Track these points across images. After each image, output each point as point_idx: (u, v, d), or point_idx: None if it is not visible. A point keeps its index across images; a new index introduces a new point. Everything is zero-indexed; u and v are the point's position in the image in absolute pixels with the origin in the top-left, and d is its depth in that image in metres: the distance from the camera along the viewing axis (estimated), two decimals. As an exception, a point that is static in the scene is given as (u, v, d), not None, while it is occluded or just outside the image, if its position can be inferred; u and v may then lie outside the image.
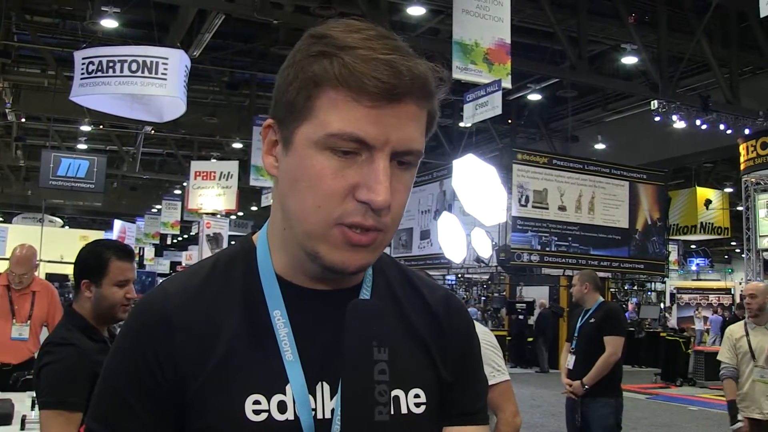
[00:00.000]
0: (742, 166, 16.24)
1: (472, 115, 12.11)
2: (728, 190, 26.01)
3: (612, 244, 20.08)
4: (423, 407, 1.06)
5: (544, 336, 18.16)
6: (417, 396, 1.06)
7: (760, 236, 15.83)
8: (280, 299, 1.02)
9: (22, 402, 3.88)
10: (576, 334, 5.98)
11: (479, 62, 10.94)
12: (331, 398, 1.00)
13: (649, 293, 27.16)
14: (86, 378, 2.39)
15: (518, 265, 19.19)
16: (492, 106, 11.51)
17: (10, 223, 30.20)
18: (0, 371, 4.93)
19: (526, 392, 13.42)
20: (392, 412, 0.95)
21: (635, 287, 25.84)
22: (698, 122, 16.94)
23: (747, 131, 16.48)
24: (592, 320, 5.87)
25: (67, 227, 33.32)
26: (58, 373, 2.50)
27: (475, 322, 3.68)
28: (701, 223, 25.93)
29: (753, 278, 16.27)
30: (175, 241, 34.68)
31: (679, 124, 17.24)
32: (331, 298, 1.04)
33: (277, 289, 1.02)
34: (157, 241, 29.81)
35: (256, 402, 0.96)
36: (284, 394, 0.97)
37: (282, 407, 0.97)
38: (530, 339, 18.76)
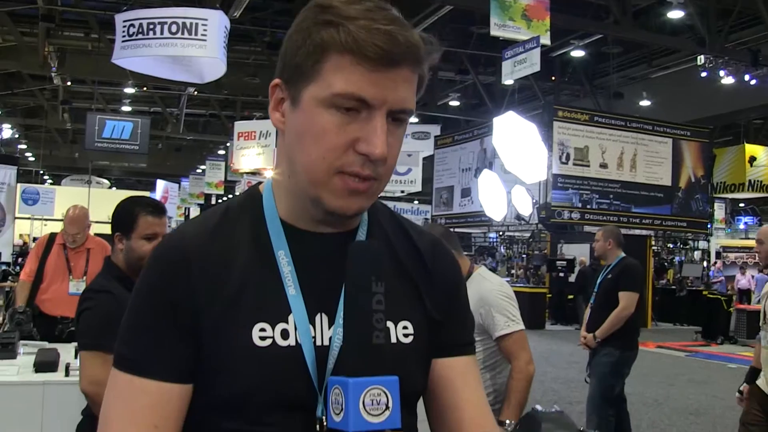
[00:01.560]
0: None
1: (510, 72, 12.04)
2: (778, 147, 25.42)
3: (654, 202, 19.86)
4: (411, 338, 1.17)
5: (584, 293, 18.12)
6: (405, 327, 1.17)
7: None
8: (284, 241, 1.14)
9: (68, 351, 4.09)
10: (595, 290, 6.09)
11: (517, 19, 10.86)
12: (329, 328, 1.11)
13: (693, 252, 26.85)
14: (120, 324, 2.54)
15: (559, 223, 19.12)
16: (530, 63, 11.43)
17: (59, 185, 30.93)
18: (56, 323, 5.16)
19: (565, 349, 13.45)
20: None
21: (678, 245, 25.55)
22: (747, 77, 16.57)
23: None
24: (610, 276, 5.96)
25: (114, 188, 33.98)
26: (95, 318, 2.68)
27: (491, 273, 3.74)
28: (749, 180, 25.42)
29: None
30: (219, 200, 35.16)
31: (727, 80, 16.88)
32: (330, 240, 1.16)
33: (282, 232, 1.14)
34: (202, 201, 30.22)
35: (262, 329, 1.07)
36: (287, 323, 1.09)
37: (285, 334, 1.08)
38: (570, 296, 18.75)
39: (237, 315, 1.08)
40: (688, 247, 25.97)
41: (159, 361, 1.08)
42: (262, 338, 1.07)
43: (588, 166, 18.98)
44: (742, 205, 32.87)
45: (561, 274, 19.27)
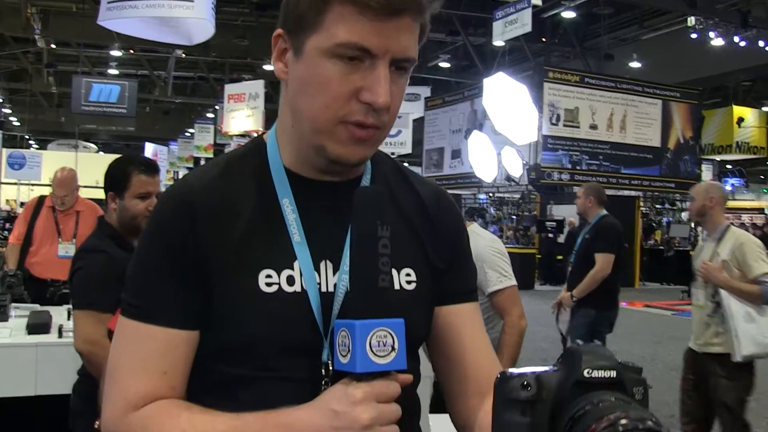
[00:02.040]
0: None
1: (501, 32, 12.00)
2: (766, 108, 25.44)
3: (643, 163, 19.92)
4: (414, 285, 1.18)
5: (569, 258, 18.22)
6: (408, 275, 1.18)
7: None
8: (289, 189, 1.15)
9: (60, 314, 4.09)
10: (576, 249, 6.10)
11: (508, -22, 10.77)
12: (334, 274, 1.13)
13: (680, 212, 26.97)
14: (115, 282, 2.54)
15: (548, 184, 19.17)
16: (521, 24, 11.39)
17: (45, 149, 30.69)
18: (46, 286, 5.14)
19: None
20: None
21: (666, 206, 25.67)
22: (737, 39, 16.52)
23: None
24: (588, 236, 5.96)
25: (101, 152, 33.75)
26: (89, 277, 2.69)
27: (483, 230, 3.76)
28: (737, 142, 25.49)
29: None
30: (208, 164, 34.82)
31: (717, 41, 16.83)
32: (334, 188, 1.16)
33: (286, 180, 1.15)
34: (191, 165, 30.10)
35: (268, 276, 1.09)
36: (292, 269, 1.10)
37: (291, 281, 1.10)
38: (560, 257, 18.86)
39: (243, 261, 1.09)
40: (676, 207, 26.07)
41: (166, 307, 1.09)
42: (269, 284, 1.08)
43: (578, 127, 18.99)
44: (729, 166, 32.97)
45: (550, 235, 19.36)
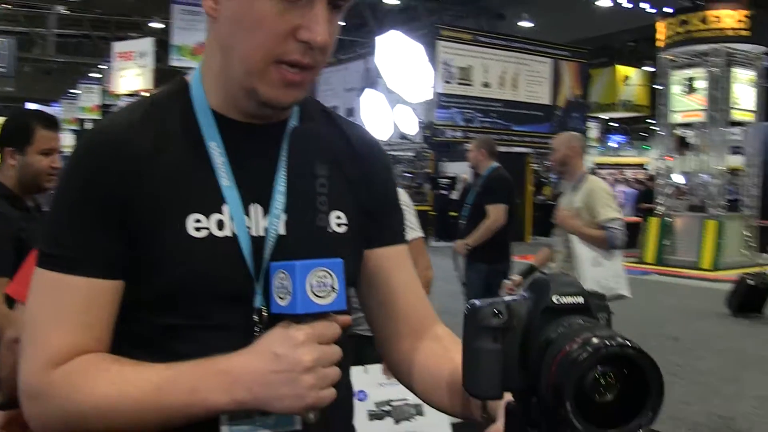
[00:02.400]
0: (660, 44, 16.46)
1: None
2: (648, 68, 26.44)
3: (534, 120, 20.40)
4: (345, 227, 1.17)
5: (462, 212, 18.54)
6: (339, 217, 1.16)
7: (673, 112, 16.24)
8: (216, 132, 1.10)
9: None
10: (469, 202, 6.18)
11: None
12: (264, 218, 1.10)
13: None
14: (10, 244, 2.44)
15: (442, 142, 19.39)
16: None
17: None
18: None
19: (448, 264, 13.81)
20: None
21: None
22: (622, 0, 16.98)
23: (669, 9, 16.61)
24: (479, 188, 6.07)
25: (-21, 113, 31.99)
26: None
27: None
28: (621, 101, 26.46)
29: (666, 154, 16.81)
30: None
31: (604, 2, 17.28)
32: (262, 130, 1.13)
33: (213, 122, 1.11)
34: (76, 127, 28.95)
35: (197, 221, 1.05)
36: (222, 213, 1.06)
37: (220, 225, 1.06)
38: (453, 213, 19.16)
39: (170, 206, 1.05)
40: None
41: (88, 256, 1.03)
42: (198, 229, 1.05)
43: (471, 85, 19.22)
44: (613, 124, 34.20)
45: (444, 192, 19.61)
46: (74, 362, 1.01)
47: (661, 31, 16.29)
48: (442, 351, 1.18)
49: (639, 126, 34.29)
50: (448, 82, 18.85)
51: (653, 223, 15.65)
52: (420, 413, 3.17)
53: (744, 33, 15.06)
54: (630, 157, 34.80)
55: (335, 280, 0.95)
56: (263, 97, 1.06)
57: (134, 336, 1.06)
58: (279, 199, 1.09)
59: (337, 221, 1.16)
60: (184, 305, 1.05)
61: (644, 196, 20.07)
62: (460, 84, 19.07)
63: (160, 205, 1.05)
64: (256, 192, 1.10)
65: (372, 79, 20.23)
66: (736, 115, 15.56)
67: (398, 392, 3.12)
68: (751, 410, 5.60)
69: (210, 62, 1.13)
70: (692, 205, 15.93)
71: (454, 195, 19.33)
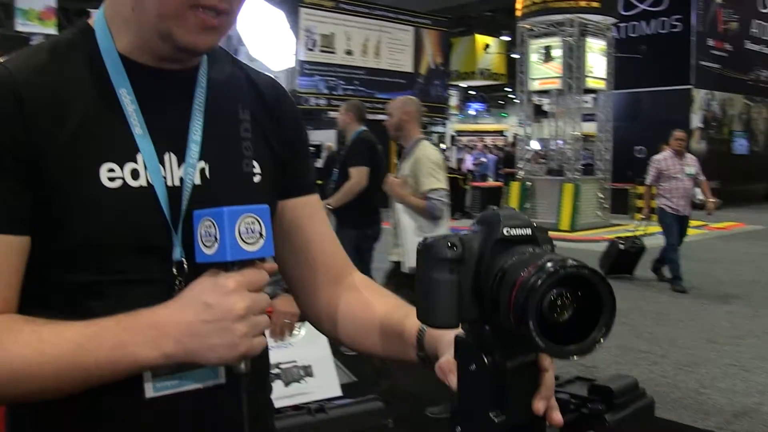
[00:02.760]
0: (518, 14, 16.95)
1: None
2: (505, 38, 27.20)
3: (396, 88, 20.55)
4: (258, 177, 1.13)
5: (331, 177, 18.58)
6: (253, 167, 1.13)
7: (532, 79, 16.82)
8: (126, 78, 1.04)
9: None
10: (338, 167, 6.20)
11: None
12: (179, 167, 1.05)
13: (432, 135, 28.41)
14: None
15: (305, 109, 19.28)
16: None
17: None
18: None
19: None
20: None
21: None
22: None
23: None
24: (344, 152, 6.14)
25: None
26: None
27: None
28: (480, 69, 27.15)
29: (524, 121, 17.43)
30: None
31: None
32: (173, 76, 1.08)
33: (122, 68, 1.04)
34: None
35: (111, 170, 0.99)
36: (136, 162, 1.01)
37: (135, 174, 1.01)
38: (319, 181, 19.14)
39: (81, 156, 0.98)
40: (427, 131, 27.38)
41: None
42: (111, 179, 0.99)
43: (334, 53, 19.20)
44: (472, 92, 35.08)
45: (309, 160, 19.57)
46: None
47: (519, 0, 16.77)
48: (368, 298, 1.20)
49: (497, 94, 35.33)
50: (310, 50, 18.73)
51: (514, 188, 16.23)
52: (309, 374, 3.16)
53: (595, 4, 15.75)
54: (490, 125, 35.86)
55: (263, 226, 0.93)
56: (179, 42, 1.01)
57: (43, 296, 1.00)
58: (194, 149, 1.05)
59: (254, 170, 1.14)
60: (98, 260, 0.99)
61: (505, 161, 20.75)
62: (323, 52, 19.00)
63: (70, 155, 0.98)
64: (170, 141, 1.05)
65: (233, 47, 19.79)
66: (590, 83, 16.30)
67: (287, 355, 3.10)
68: (612, 358, 5.92)
69: (117, 5, 1.06)
70: (550, 169, 16.62)
71: (319, 163, 19.31)
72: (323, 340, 3.45)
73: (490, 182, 20.75)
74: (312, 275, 1.23)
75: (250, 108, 1.15)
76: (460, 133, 30.79)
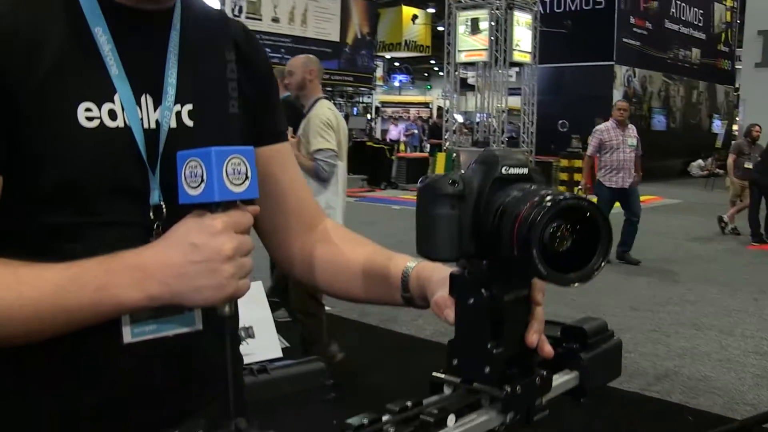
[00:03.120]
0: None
1: None
2: (431, 10, 27.21)
3: (323, 57, 20.32)
4: (240, 119, 1.12)
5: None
6: (237, 108, 1.12)
7: (459, 51, 16.91)
8: (101, 16, 1.01)
9: None
10: None
11: None
12: (155, 110, 1.03)
13: (358, 105, 28.29)
14: None
15: (231, 77, 19.02)
16: None
17: None
18: None
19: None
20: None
21: (344, 99, 26.76)
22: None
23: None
24: None
25: None
26: None
27: None
28: (405, 41, 27.11)
29: (450, 93, 17.54)
30: None
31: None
32: (148, 16, 1.05)
33: (97, 6, 1.01)
34: None
35: (88, 110, 0.97)
36: (113, 103, 0.99)
37: (112, 115, 0.99)
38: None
39: (58, 94, 0.96)
40: (354, 101, 27.29)
41: None
42: (89, 119, 0.97)
43: (260, 20, 18.94)
44: (397, 64, 35.08)
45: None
46: None
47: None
48: (345, 243, 1.22)
49: (422, 66, 35.40)
50: (236, 17, 18.29)
51: (440, 158, 16.37)
52: (250, 336, 3.12)
53: (520, -23, 15.89)
54: (414, 96, 35.97)
55: (249, 168, 0.92)
56: None
57: (16, 239, 0.97)
58: (170, 92, 1.04)
59: (238, 111, 1.13)
60: (74, 201, 0.97)
61: (432, 132, 20.89)
62: (249, 18, 18.66)
63: (46, 94, 0.95)
64: (146, 82, 1.03)
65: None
66: (517, 57, 16.48)
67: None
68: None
69: None
70: (476, 140, 16.81)
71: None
72: (264, 302, 3.41)
73: (416, 153, 20.87)
74: (286, 222, 1.23)
75: (224, 52, 1.12)
76: (385, 104, 30.78)
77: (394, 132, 24.08)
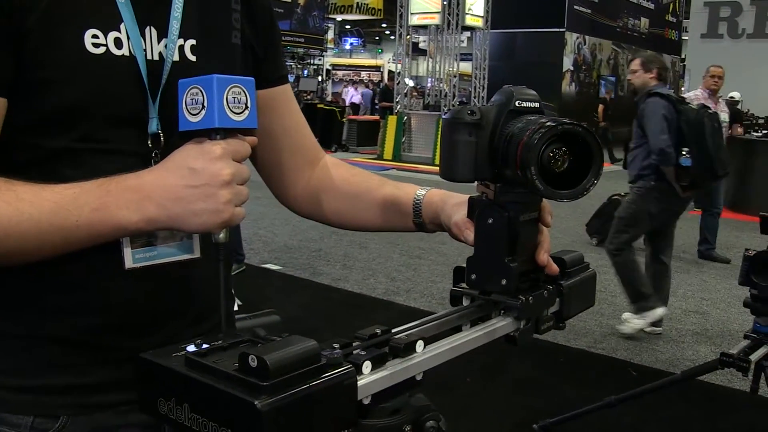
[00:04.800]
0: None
1: None
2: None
3: (276, 17, 20.22)
4: (241, 51, 1.12)
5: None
6: (239, 40, 1.12)
7: (412, 14, 16.79)
8: None
9: None
10: None
11: None
12: (159, 42, 1.04)
13: (310, 67, 28.04)
14: None
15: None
16: None
17: None
18: None
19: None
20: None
21: (295, 61, 26.50)
22: None
23: None
24: None
25: None
26: None
27: None
28: (357, 3, 26.86)
29: (402, 56, 17.46)
30: None
31: None
32: None
33: None
34: None
35: (95, 36, 0.97)
36: (119, 32, 1.00)
37: (118, 43, 0.99)
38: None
39: (66, 18, 0.95)
40: (305, 62, 27.03)
41: None
42: (96, 45, 0.97)
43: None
44: (348, 27, 34.81)
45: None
46: None
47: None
48: (353, 175, 1.29)
49: (373, 30, 35.17)
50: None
51: (391, 121, 16.33)
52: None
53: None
54: (365, 60, 35.75)
55: (249, 97, 0.94)
56: None
57: (18, 162, 0.97)
58: (175, 25, 1.05)
59: (240, 42, 1.13)
60: (75, 126, 0.98)
61: (383, 95, 20.82)
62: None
63: (54, 19, 0.95)
64: (151, 14, 1.04)
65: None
66: (469, 21, 16.46)
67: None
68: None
69: None
70: (427, 104, 16.80)
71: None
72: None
73: (367, 116, 20.81)
74: (291, 159, 1.28)
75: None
76: (335, 66, 30.55)
77: (356, 96, 23.87)
